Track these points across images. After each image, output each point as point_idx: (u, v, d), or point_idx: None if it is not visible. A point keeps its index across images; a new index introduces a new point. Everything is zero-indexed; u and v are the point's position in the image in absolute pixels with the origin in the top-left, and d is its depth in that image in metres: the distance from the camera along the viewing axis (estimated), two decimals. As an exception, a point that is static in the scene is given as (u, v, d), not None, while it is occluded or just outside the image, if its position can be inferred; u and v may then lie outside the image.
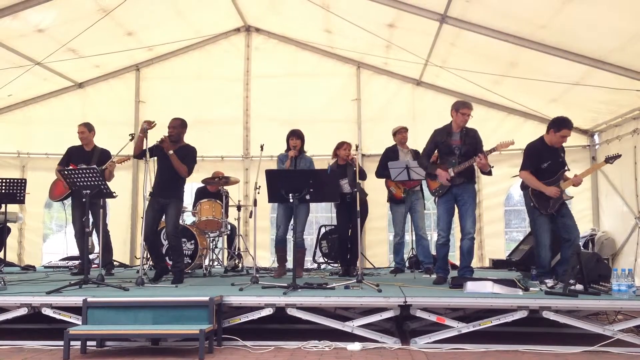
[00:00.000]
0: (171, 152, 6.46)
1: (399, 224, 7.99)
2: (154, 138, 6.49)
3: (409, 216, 7.99)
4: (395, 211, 8.02)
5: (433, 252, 7.45)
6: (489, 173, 6.33)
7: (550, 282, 5.85)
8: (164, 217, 6.67)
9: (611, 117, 8.35)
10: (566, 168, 6.09)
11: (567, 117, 6.11)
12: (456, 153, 6.26)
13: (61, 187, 7.39)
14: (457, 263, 6.54)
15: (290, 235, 7.03)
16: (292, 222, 6.75)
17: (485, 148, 6.29)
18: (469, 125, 6.34)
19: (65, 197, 7.51)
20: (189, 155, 6.64)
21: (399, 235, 8.03)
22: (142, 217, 6.51)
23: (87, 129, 7.59)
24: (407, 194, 7.83)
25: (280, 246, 7.24)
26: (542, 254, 6.15)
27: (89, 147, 7.61)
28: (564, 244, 6.07)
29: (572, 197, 6.12)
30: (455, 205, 6.35)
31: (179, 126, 6.67)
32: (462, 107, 6.27)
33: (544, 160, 6.11)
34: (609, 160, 6.22)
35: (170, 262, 6.89)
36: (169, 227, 6.60)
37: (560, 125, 6.05)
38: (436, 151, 6.51)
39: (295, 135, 7.17)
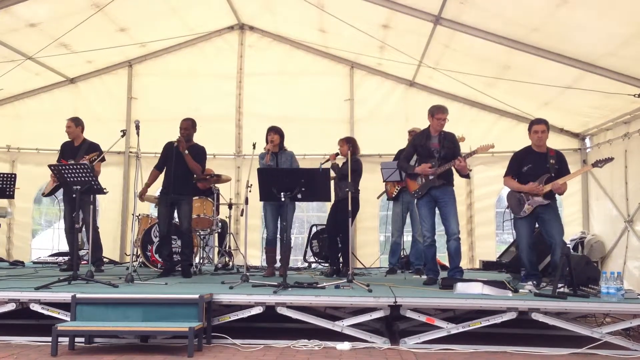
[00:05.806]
0: (186, 152, 6.74)
1: (395, 223, 8.04)
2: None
3: (409, 219, 8.01)
4: (393, 210, 8.12)
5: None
6: (467, 176, 6.53)
7: (528, 286, 5.86)
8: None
9: (602, 121, 8.39)
10: (551, 174, 5.96)
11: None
12: (435, 156, 6.32)
13: (50, 182, 7.38)
14: (447, 264, 6.57)
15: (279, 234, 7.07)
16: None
17: (467, 150, 6.35)
18: (446, 129, 6.44)
19: (51, 191, 7.47)
20: (200, 154, 7.01)
21: (395, 235, 8.05)
22: (133, 214, 6.50)
23: (73, 124, 7.58)
24: (399, 193, 7.85)
25: (270, 247, 7.24)
26: (521, 255, 6.25)
27: (78, 141, 7.59)
28: (550, 249, 6.13)
29: (548, 202, 6.02)
30: (437, 208, 6.38)
31: (190, 127, 6.98)
32: (437, 112, 6.39)
33: (524, 165, 6.19)
34: (599, 163, 5.90)
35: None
36: (185, 224, 6.92)
37: (530, 125, 6.21)
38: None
39: (273, 131, 7.25)
